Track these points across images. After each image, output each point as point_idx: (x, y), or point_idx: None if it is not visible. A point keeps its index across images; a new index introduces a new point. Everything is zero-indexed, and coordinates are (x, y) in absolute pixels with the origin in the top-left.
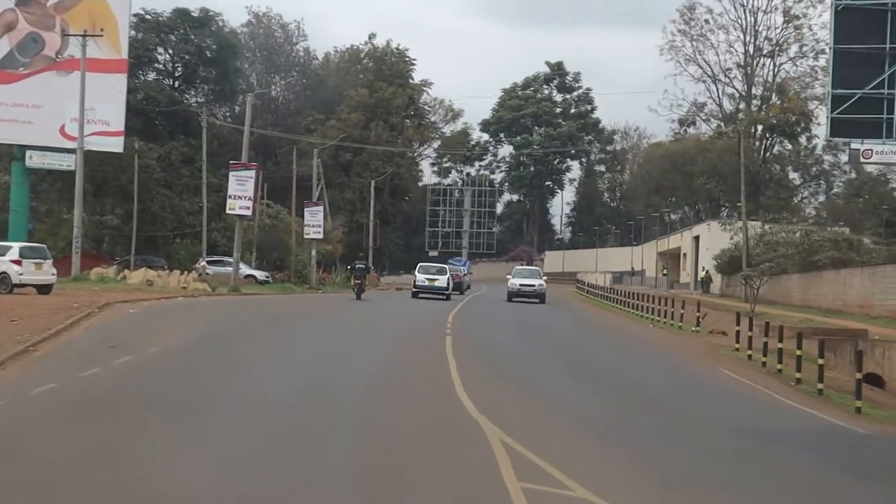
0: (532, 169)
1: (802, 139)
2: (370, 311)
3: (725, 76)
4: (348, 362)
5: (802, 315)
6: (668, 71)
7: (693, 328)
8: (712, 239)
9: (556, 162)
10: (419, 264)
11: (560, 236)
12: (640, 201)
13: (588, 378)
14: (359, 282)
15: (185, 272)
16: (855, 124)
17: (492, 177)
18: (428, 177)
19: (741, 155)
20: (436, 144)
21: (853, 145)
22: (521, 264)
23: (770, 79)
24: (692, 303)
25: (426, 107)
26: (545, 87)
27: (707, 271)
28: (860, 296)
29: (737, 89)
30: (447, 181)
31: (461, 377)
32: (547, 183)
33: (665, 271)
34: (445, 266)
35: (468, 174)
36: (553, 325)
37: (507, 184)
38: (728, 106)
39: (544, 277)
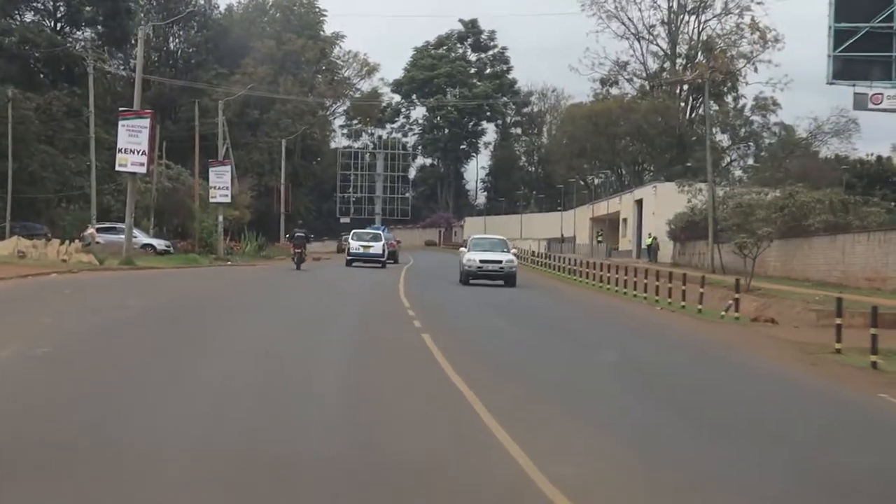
0: (446, 132)
1: (729, 99)
2: (318, 288)
3: (649, 33)
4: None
5: (815, 291)
6: (589, 28)
7: (722, 313)
8: (660, 203)
9: (471, 124)
10: (353, 231)
11: (476, 202)
12: (563, 164)
13: (696, 421)
14: (299, 251)
15: (69, 242)
16: (860, 64)
17: (404, 140)
18: (338, 139)
19: (706, 106)
20: (349, 103)
21: (858, 89)
22: (440, 232)
23: (695, 37)
24: (662, 275)
25: (339, 61)
26: (459, 45)
27: (655, 238)
28: (868, 266)
29: (661, 47)
30: (358, 144)
31: (494, 415)
32: (462, 146)
33: (600, 238)
34: (380, 232)
35: (380, 137)
36: (541, 308)
37: (420, 147)
38: (652, 65)
39: (514, 250)
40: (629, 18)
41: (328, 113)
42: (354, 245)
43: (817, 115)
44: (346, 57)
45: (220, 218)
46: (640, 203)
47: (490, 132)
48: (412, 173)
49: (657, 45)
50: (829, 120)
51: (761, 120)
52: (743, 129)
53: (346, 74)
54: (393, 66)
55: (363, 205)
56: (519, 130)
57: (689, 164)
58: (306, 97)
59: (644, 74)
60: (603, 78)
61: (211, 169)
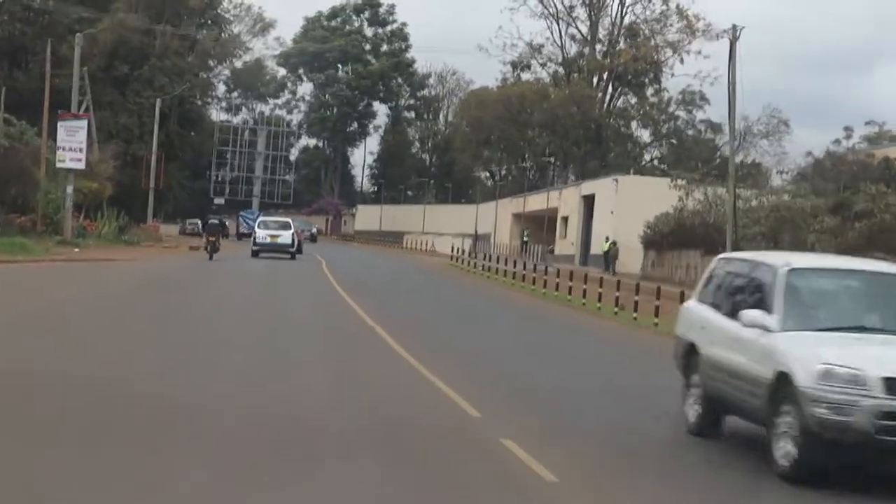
0: (335, 111)
1: (649, 92)
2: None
3: (568, 14)
4: None
5: None
6: (503, 4)
7: None
8: (623, 200)
9: (362, 105)
10: (259, 219)
11: (361, 189)
12: (468, 153)
13: None
14: (212, 239)
15: None
16: None
17: (289, 118)
18: (216, 113)
19: (731, 81)
20: (229, 72)
21: None
22: (331, 219)
23: (618, 21)
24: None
25: (228, 15)
26: (355, 18)
27: (614, 243)
28: None
29: (580, 31)
30: (237, 119)
31: None
32: (351, 128)
33: (526, 237)
34: (289, 220)
35: (262, 113)
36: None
37: (305, 126)
38: (571, 49)
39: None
40: None
41: (212, 75)
42: (262, 234)
43: (748, 114)
44: (236, 10)
45: (70, 189)
46: (589, 200)
47: (382, 115)
48: (295, 154)
49: (576, 27)
50: (760, 120)
51: (686, 116)
52: (666, 126)
53: (236, 31)
54: (288, 27)
55: (240, 185)
56: (413, 114)
57: (604, 163)
58: (187, 54)
59: (560, 59)
60: (514, 61)
61: (60, 124)
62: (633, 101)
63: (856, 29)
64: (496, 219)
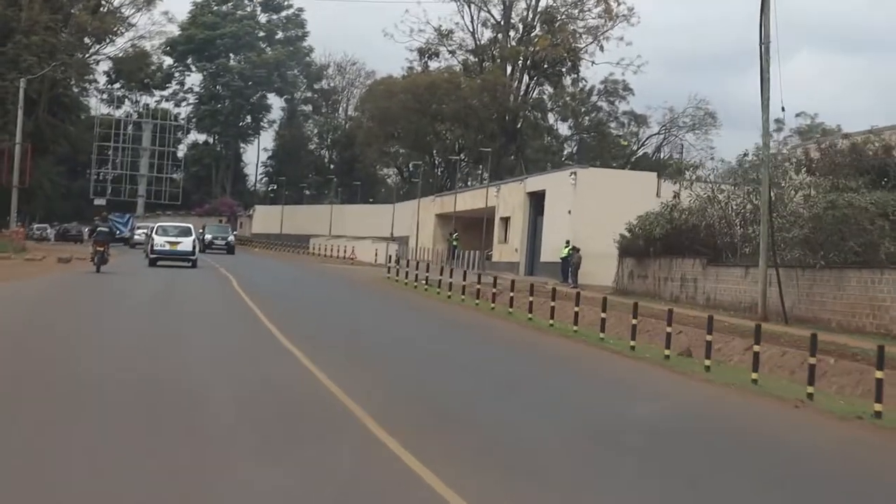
0: (227, 103)
1: (567, 81)
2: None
3: None
4: None
5: None
6: None
7: None
8: (584, 197)
9: (256, 97)
10: (157, 225)
11: (255, 188)
12: (374, 147)
13: None
14: (101, 249)
15: None
16: None
17: (176, 111)
18: (96, 106)
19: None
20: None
21: None
22: (221, 221)
23: (532, 4)
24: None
25: None
26: (247, 3)
27: (576, 249)
28: None
29: (493, 16)
30: (120, 113)
31: None
32: (244, 122)
33: (455, 241)
34: (189, 225)
35: (147, 106)
36: None
37: (195, 120)
38: (482, 36)
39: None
40: None
41: (89, 56)
42: (159, 241)
43: (672, 104)
44: None
45: None
46: (537, 197)
47: (277, 109)
48: (183, 151)
49: (488, 12)
50: (686, 112)
51: (608, 107)
52: (587, 118)
53: (116, 3)
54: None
55: (123, 185)
56: (310, 108)
57: (521, 157)
58: (59, 30)
59: (472, 46)
60: (422, 48)
61: None
62: (549, 91)
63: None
64: (417, 220)
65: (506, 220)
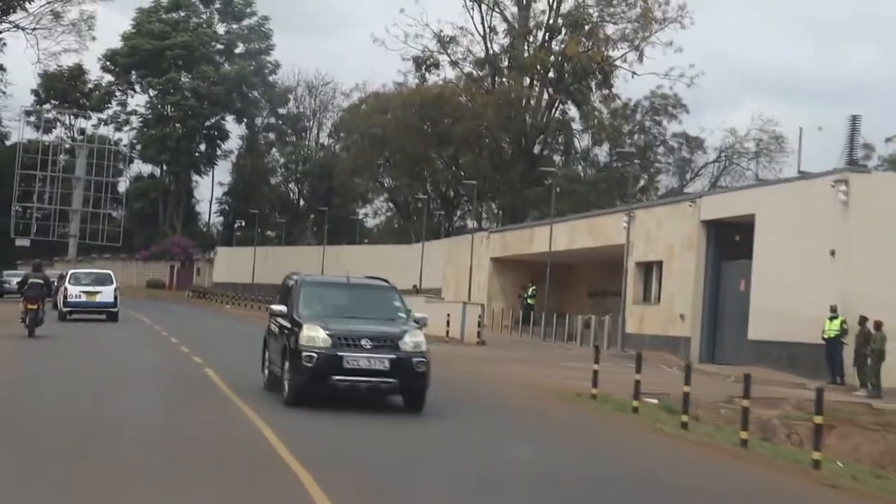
0: (178, 127)
1: (595, 98)
2: None
3: None
4: None
5: None
6: None
7: None
8: (860, 224)
9: (213, 118)
10: (70, 272)
11: (209, 228)
12: (365, 174)
13: None
14: (33, 307)
15: None
16: None
17: (117, 136)
18: (19, 131)
19: None
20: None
21: None
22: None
23: (554, 4)
24: None
25: None
26: (203, 10)
27: (863, 323)
28: None
29: (508, 18)
30: (49, 138)
31: None
32: (199, 150)
33: (531, 297)
34: (109, 272)
35: (82, 130)
36: None
37: (139, 147)
38: (495, 42)
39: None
40: None
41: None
42: (74, 291)
43: (733, 125)
44: None
45: None
46: (724, 228)
47: (235, 137)
48: (125, 184)
49: (501, 13)
50: (749, 134)
51: (655, 128)
52: (628, 140)
53: None
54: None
55: (52, 222)
56: (272, 135)
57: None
58: None
59: (482, 54)
60: (418, 57)
61: None
62: (572, 109)
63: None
64: (471, 266)
65: (649, 267)
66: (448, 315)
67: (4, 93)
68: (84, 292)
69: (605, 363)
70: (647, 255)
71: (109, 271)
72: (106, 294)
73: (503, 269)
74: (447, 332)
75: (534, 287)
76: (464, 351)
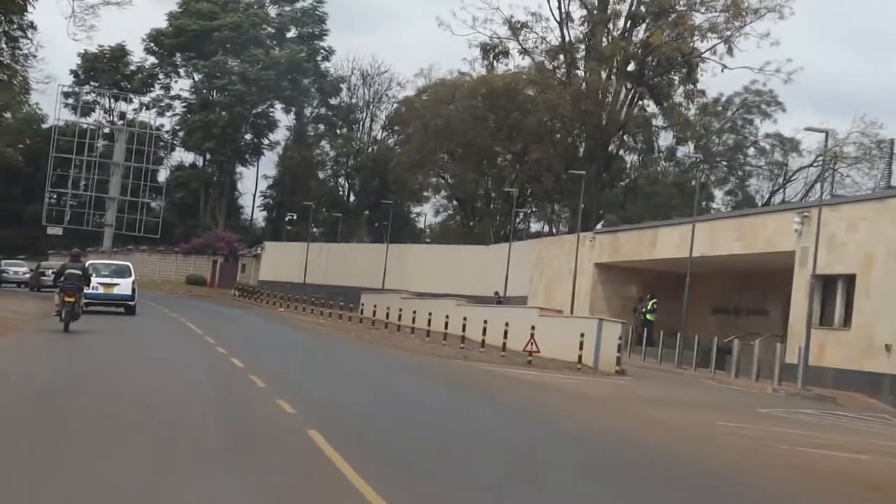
0: (224, 115)
1: (678, 95)
2: None
3: None
4: None
5: None
6: None
7: None
8: None
9: (262, 107)
10: (88, 263)
11: (252, 222)
12: (426, 168)
13: None
14: (71, 300)
15: None
16: None
17: (159, 122)
18: (55, 112)
19: None
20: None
21: None
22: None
23: None
24: None
25: None
26: None
27: None
28: None
29: (585, 4)
30: (87, 121)
31: None
32: (244, 140)
33: (649, 312)
34: (127, 264)
35: (122, 114)
36: None
37: (181, 134)
38: (575, 28)
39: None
40: None
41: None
42: (92, 283)
43: (833, 126)
44: None
45: None
46: None
47: (282, 128)
48: (165, 173)
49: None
50: (850, 137)
51: (748, 128)
52: (718, 141)
53: None
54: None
55: (87, 210)
56: (322, 127)
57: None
58: None
59: (558, 42)
60: (486, 44)
61: None
62: (651, 106)
63: None
64: (575, 272)
65: (831, 281)
66: (582, 335)
67: (35, 56)
68: (101, 284)
69: (807, 409)
70: (832, 267)
71: (128, 263)
72: (123, 286)
73: (609, 276)
74: (579, 356)
75: (654, 300)
76: (617, 388)
